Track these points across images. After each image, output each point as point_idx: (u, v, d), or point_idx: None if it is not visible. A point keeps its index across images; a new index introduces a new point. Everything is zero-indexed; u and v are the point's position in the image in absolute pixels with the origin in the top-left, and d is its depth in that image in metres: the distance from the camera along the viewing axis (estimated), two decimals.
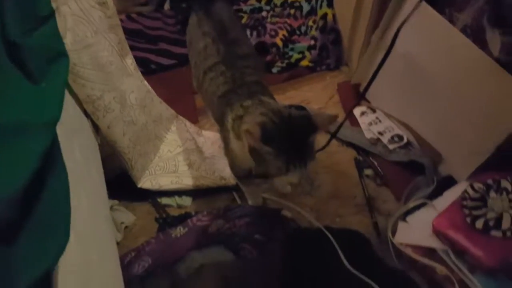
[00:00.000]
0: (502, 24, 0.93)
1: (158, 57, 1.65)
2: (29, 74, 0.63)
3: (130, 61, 1.17)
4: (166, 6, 1.71)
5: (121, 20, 1.76)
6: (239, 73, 0.96)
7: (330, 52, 1.53)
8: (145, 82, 1.24)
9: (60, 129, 0.68)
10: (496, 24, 0.93)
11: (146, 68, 1.61)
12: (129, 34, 1.70)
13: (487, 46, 0.97)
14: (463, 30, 1.01)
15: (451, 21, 1.05)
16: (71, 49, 0.88)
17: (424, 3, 1.08)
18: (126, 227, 1.12)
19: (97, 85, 0.98)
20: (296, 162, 0.77)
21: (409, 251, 0.90)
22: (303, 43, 1.58)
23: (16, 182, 0.49)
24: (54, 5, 0.83)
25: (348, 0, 1.35)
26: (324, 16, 1.50)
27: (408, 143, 1.18)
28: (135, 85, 1.14)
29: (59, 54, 0.79)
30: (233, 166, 1.00)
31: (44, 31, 0.71)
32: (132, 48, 1.61)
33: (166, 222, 1.09)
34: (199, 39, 1.05)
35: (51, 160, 0.60)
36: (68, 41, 0.88)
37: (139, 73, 1.22)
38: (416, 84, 1.16)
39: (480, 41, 0.98)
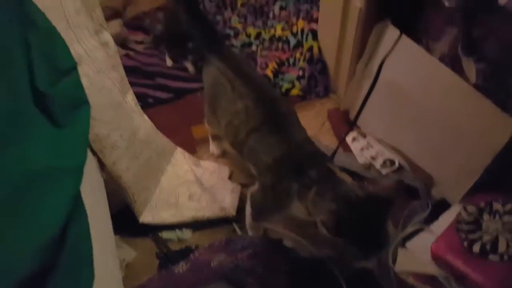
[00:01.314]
0: (474, 52, 0.92)
1: (155, 91, 1.62)
2: (54, 120, 0.64)
3: (131, 97, 1.15)
4: (169, 62, 1.67)
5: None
6: (289, 134, 0.91)
7: (318, 81, 1.51)
8: (145, 117, 1.21)
9: None
10: (469, 53, 0.93)
11: (144, 102, 1.56)
12: (127, 71, 1.66)
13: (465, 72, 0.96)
14: (441, 59, 1.00)
15: (429, 49, 1.04)
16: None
17: (403, 35, 1.07)
18: (126, 264, 1.06)
19: (104, 124, 0.95)
20: (374, 249, 0.72)
21: (411, 280, 0.85)
22: (292, 74, 1.56)
23: (49, 228, 0.46)
24: None
25: (331, 33, 1.35)
26: (310, 48, 1.49)
27: (400, 167, 1.15)
28: (141, 121, 1.11)
29: (81, 102, 0.79)
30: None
31: (68, 82, 0.73)
32: (130, 84, 1.58)
33: (167, 258, 1.03)
34: (236, 101, 0.98)
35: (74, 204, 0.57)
36: (84, 84, 0.86)
37: (139, 108, 1.19)
38: (402, 109, 1.14)
39: (458, 69, 0.97)
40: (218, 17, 1.85)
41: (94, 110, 0.90)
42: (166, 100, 1.59)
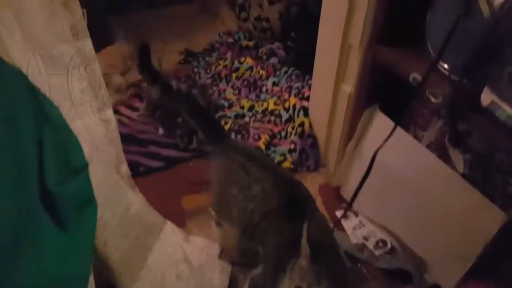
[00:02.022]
0: (461, 144, 0.96)
1: (147, 159, 1.59)
2: (60, 221, 0.62)
3: (124, 169, 1.11)
4: (161, 130, 1.69)
5: None
6: (305, 218, 0.85)
7: (309, 155, 1.53)
8: (137, 190, 1.17)
9: None
10: (456, 144, 0.96)
11: (135, 171, 1.52)
12: (121, 138, 1.66)
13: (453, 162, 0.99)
14: (429, 146, 1.04)
15: (416, 137, 1.08)
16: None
17: (390, 121, 1.11)
18: None
19: (99, 205, 0.91)
20: None
21: None
22: (284, 147, 1.58)
23: None
24: None
25: (322, 113, 1.40)
26: (302, 124, 1.53)
27: (393, 248, 1.13)
28: (133, 196, 1.07)
29: (89, 202, 0.75)
30: None
31: (77, 182, 0.70)
32: (124, 151, 1.56)
33: None
34: (251, 186, 0.94)
35: None
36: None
37: (132, 180, 1.15)
38: (394, 192, 1.15)
39: (446, 157, 1.00)
40: (214, 88, 1.91)
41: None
42: (157, 168, 1.56)
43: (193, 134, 1.56)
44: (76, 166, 0.72)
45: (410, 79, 0.91)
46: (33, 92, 0.63)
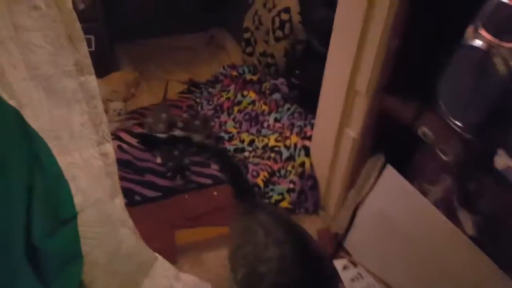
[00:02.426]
0: (470, 205, 0.91)
1: (143, 188, 1.53)
2: (42, 278, 0.58)
3: (119, 201, 1.06)
4: (159, 159, 1.64)
5: None
6: None
7: (308, 197, 1.48)
8: (130, 223, 1.11)
9: None
10: (465, 205, 0.92)
11: (130, 200, 1.47)
12: (119, 164, 1.59)
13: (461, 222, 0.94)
14: (436, 204, 0.99)
15: (423, 191, 1.04)
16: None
17: (396, 172, 1.08)
18: None
19: (88, 241, 0.85)
20: None
21: None
22: (283, 186, 1.53)
23: None
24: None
25: (324, 155, 1.36)
26: (302, 164, 1.49)
27: None
28: (125, 233, 1.00)
29: (74, 257, 0.69)
30: None
31: (64, 233, 0.64)
32: (120, 178, 1.51)
33: None
34: (268, 247, 0.84)
35: None
36: (77, 201, 0.78)
37: (126, 213, 1.09)
38: (393, 244, 1.10)
39: (454, 217, 0.95)
40: (215, 120, 1.88)
41: (86, 228, 0.82)
42: (152, 198, 1.50)
43: (182, 170, 1.52)
44: (64, 216, 0.67)
45: (419, 132, 0.88)
46: (29, 135, 0.58)
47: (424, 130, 0.86)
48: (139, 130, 1.81)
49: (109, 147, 0.96)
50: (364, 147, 1.18)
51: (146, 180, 1.56)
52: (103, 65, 1.90)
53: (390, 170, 1.09)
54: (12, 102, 0.65)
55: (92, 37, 1.74)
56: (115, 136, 1.74)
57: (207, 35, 2.56)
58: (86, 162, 0.91)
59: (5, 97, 0.63)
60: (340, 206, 1.36)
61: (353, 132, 1.18)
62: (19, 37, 0.67)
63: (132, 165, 1.62)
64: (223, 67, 2.18)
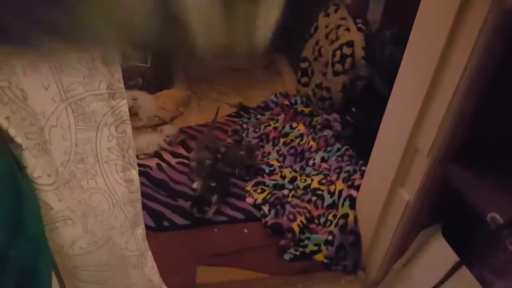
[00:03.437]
0: None
1: (173, 214, 1.49)
2: None
3: (140, 231, 1.01)
4: (196, 184, 1.59)
5: (150, 168, 1.70)
6: None
7: (348, 254, 1.32)
8: (149, 256, 1.06)
9: None
10: None
11: (158, 225, 1.44)
12: (155, 183, 1.60)
13: None
14: None
15: (484, 283, 0.84)
16: (81, 253, 0.74)
17: (453, 253, 0.89)
18: None
19: (93, 286, 0.81)
20: None
21: None
22: (321, 235, 1.39)
23: None
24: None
25: (371, 212, 1.20)
26: (345, 216, 1.34)
27: None
28: (139, 277, 0.95)
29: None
30: None
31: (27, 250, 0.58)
32: (152, 198, 1.48)
33: None
34: None
35: None
36: (83, 244, 0.74)
37: (146, 244, 1.04)
38: None
39: None
40: (259, 150, 1.81)
41: (88, 272, 0.78)
42: (181, 226, 1.45)
43: (201, 204, 1.43)
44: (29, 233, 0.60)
45: (488, 217, 0.72)
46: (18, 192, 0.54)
47: (493, 215, 0.70)
48: (180, 150, 1.80)
49: (135, 174, 0.92)
50: (418, 213, 1.01)
51: (177, 205, 1.52)
52: (157, 82, 1.95)
53: (445, 248, 0.91)
54: (33, 129, 0.63)
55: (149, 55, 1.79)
56: (156, 154, 1.75)
57: (265, 59, 2.54)
58: (110, 188, 0.89)
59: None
60: (383, 272, 1.19)
61: (407, 194, 1.02)
62: (53, 59, 0.66)
63: (167, 187, 1.60)
64: (275, 95, 2.13)
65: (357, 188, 1.37)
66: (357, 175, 1.43)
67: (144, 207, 1.49)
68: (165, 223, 1.44)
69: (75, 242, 0.72)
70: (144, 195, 1.56)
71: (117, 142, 0.85)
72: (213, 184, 1.47)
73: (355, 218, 1.33)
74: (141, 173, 1.67)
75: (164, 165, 1.71)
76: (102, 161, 0.86)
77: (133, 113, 1.83)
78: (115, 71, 0.73)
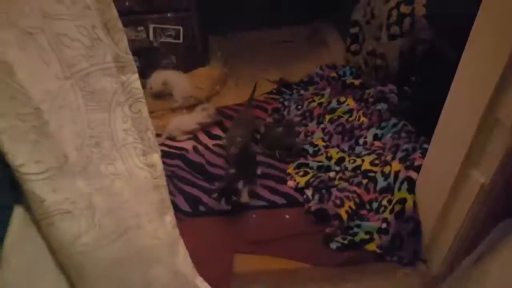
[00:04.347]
0: None
1: (210, 198, 1.44)
2: None
3: (169, 219, 0.96)
4: (232, 170, 1.47)
5: (186, 151, 1.66)
6: None
7: (405, 244, 1.17)
8: (180, 245, 1.01)
9: None
10: None
11: (194, 209, 1.39)
12: (191, 167, 1.56)
13: None
14: None
15: None
16: (87, 249, 0.69)
17: None
18: None
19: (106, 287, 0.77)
20: None
21: None
22: (373, 223, 1.25)
23: None
24: None
25: (434, 196, 1.04)
26: (403, 200, 1.18)
27: None
28: (159, 273, 0.89)
29: None
30: None
31: None
32: (188, 183, 1.46)
33: None
34: None
35: None
36: (88, 240, 0.69)
37: (177, 231, 1.00)
38: None
39: None
40: (302, 128, 1.68)
41: (96, 271, 0.72)
42: (218, 212, 1.39)
43: (229, 194, 1.33)
44: None
45: None
46: None
47: None
48: (217, 131, 1.74)
49: (157, 158, 0.85)
50: (496, 200, 0.83)
51: (215, 189, 1.47)
52: (191, 59, 1.88)
53: None
54: (27, 109, 0.57)
55: (180, 28, 1.71)
56: (193, 136, 1.70)
57: (309, 29, 2.36)
58: (131, 173, 0.83)
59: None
60: (448, 266, 1.04)
61: (482, 176, 0.85)
62: (50, 28, 0.59)
63: (204, 170, 1.55)
64: (320, 67, 1.96)
65: (417, 169, 1.20)
66: (417, 154, 1.25)
67: (181, 191, 1.46)
68: (201, 208, 1.40)
69: (77, 238, 0.66)
70: (180, 179, 1.53)
71: (133, 123, 0.78)
72: (233, 171, 1.37)
73: (414, 203, 1.17)
74: (177, 156, 1.66)
75: (200, 147, 1.66)
76: (119, 145, 0.80)
77: (166, 94, 1.78)
78: (119, 39, 0.65)
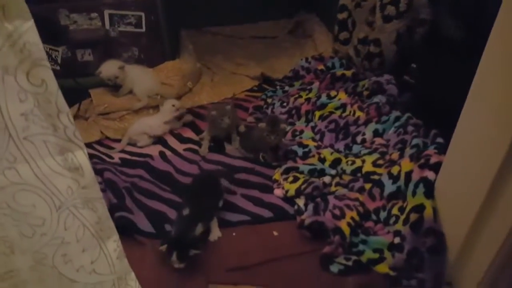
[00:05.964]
0: None
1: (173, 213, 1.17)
2: None
3: (113, 246, 0.72)
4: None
5: (152, 158, 1.38)
6: None
7: (425, 263, 0.93)
8: (133, 283, 0.76)
9: None
10: None
11: (158, 229, 1.12)
12: (157, 176, 1.30)
13: None
14: None
15: None
16: None
17: None
18: None
19: None
20: None
21: None
22: (382, 237, 1.02)
23: None
24: None
25: (464, 199, 0.82)
26: (419, 208, 0.95)
27: None
28: None
29: None
30: None
31: None
32: (154, 196, 1.23)
33: None
34: None
35: None
36: None
37: (125, 261, 0.74)
38: None
39: None
40: (288, 127, 1.44)
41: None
42: None
43: (183, 246, 0.97)
44: None
45: None
46: None
47: None
48: (189, 133, 1.48)
49: (82, 158, 0.60)
50: None
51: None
52: (157, 52, 1.63)
53: None
54: None
55: (142, 14, 1.46)
56: (161, 140, 1.44)
57: (291, 22, 2.18)
58: (45, 181, 0.58)
59: None
60: None
61: None
62: None
63: (172, 179, 1.29)
64: (306, 59, 1.75)
65: (434, 168, 0.97)
66: (431, 150, 1.04)
67: (141, 207, 1.19)
68: (168, 227, 1.12)
69: None
70: (141, 191, 1.26)
71: (37, 103, 0.52)
72: (187, 212, 1.04)
73: (435, 211, 0.93)
74: (139, 165, 1.37)
75: (168, 153, 1.41)
76: (19, 137, 0.54)
77: (118, 85, 1.49)
78: None
